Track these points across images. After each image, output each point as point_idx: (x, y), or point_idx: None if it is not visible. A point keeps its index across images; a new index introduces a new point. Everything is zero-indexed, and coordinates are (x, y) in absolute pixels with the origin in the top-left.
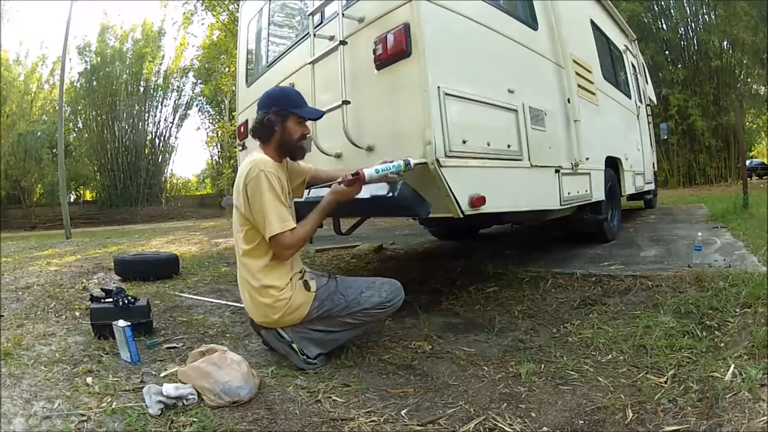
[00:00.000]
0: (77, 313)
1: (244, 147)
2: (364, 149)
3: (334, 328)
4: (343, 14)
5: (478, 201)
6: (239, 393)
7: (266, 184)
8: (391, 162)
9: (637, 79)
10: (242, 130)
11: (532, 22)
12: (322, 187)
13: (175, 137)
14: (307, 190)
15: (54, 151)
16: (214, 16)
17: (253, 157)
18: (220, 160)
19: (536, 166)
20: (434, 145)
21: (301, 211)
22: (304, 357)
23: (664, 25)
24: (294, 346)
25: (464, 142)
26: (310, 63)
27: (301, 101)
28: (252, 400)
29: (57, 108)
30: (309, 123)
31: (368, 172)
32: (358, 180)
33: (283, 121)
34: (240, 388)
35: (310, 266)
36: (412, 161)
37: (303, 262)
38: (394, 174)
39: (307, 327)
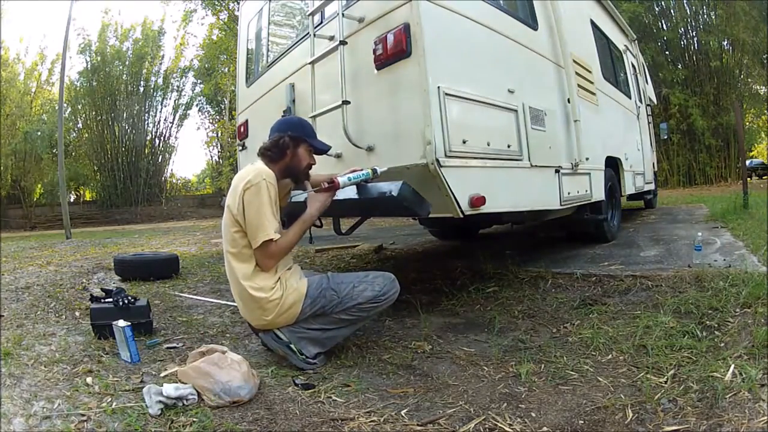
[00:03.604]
0: (77, 313)
1: (244, 147)
2: (364, 149)
3: (330, 325)
4: (343, 14)
5: (478, 201)
6: (239, 393)
7: (266, 194)
8: (361, 170)
9: (637, 79)
10: (242, 130)
11: (532, 22)
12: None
13: (175, 137)
14: (303, 193)
15: (54, 151)
16: (213, 15)
17: (257, 165)
18: (220, 160)
19: (536, 166)
20: (434, 145)
21: (299, 210)
22: (303, 357)
23: (665, 26)
24: (292, 346)
25: (464, 142)
26: (310, 63)
27: (314, 133)
28: (252, 400)
29: (57, 108)
30: (308, 121)
31: (342, 180)
32: (333, 187)
33: (296, 146)
34: (240, 388)
35: (307, 267)
36: (379, 169)
37: (303, 263)
38: (364, 181)
39: (302, 326)
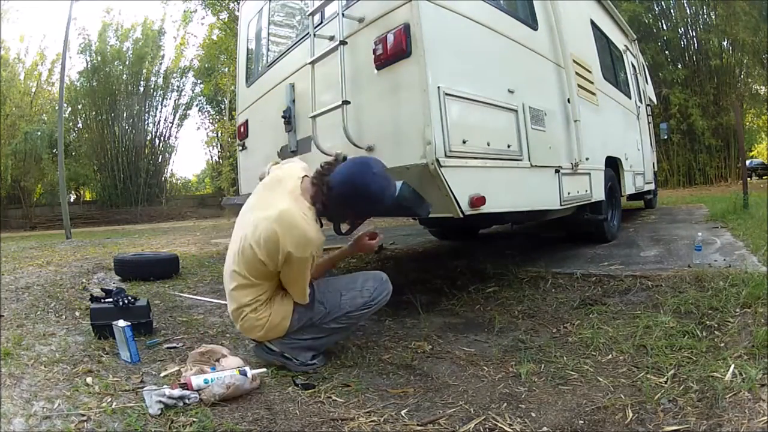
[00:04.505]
0: (77, 313)
1: (244, 147)
2: (364, 149)
3: (321, 334)
4: (343, 14)
5: (478, 201)
6: None
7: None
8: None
9: (637, 79)
10: (242, 130)
11: (532, 22)
12: None
13: (175, 137)
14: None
15: (54, 151)
16: (213, 15)
17: (306, 218)
18: (220, 160)
19: (536, 166)
20: (434, 145)
21: None
22: (300, 362)
23: (665, 26)
24: (286, 355)
25: (464, 142)
26: (310, 63)
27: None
28: (252, 399)
29: (57, 108)
30: (309, 121)
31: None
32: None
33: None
34: None
35: None
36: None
37: None
38: None
39: (293, 337)
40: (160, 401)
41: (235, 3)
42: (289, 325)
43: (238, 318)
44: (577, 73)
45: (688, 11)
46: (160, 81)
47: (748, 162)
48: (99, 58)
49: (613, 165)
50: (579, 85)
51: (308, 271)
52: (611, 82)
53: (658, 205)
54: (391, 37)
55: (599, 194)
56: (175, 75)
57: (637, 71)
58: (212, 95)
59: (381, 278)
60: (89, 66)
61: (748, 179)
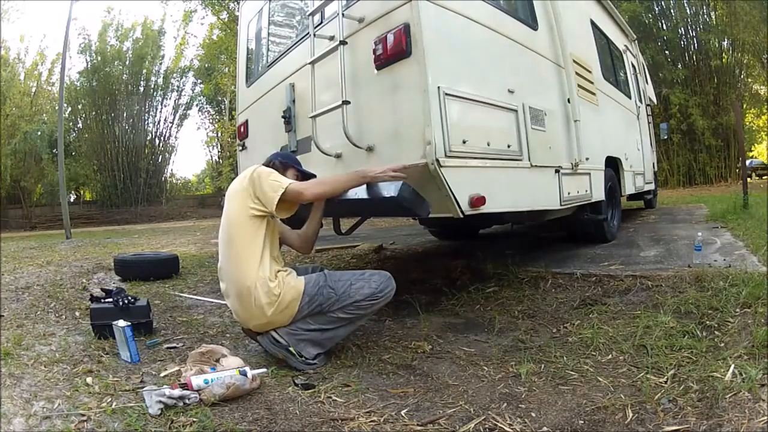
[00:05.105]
0: (77, 313)
1: (244, 147)
2: (364, 149)
3: (328, 325)
4: (343, 14)
5: (478, 201)
6: None
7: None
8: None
9: (637, 79)
10: (242, 130)
11: (532, 22)
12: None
13: (175, 137)
14: None
15: (54, 151)
16: (213, 15)
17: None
18: (220, 160)
19: (536, 166)
20: (434, 145)
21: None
22: (303, 359)
23: (665, 26)
24: (291, 349)
25: (464, 142)
26: (310, 63)
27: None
28: (252, 399)
29: (57, 108)
30: (309, 121)
31: (196, 382)
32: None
33: (284, 169)
34: None
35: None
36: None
37: (302, 262)
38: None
39: (300, 327)
40: (160, 401)
41: (235, 3)
42: (297, 310)
43: (248, 298)
44: (577, 73)
45: (688, 11)
46: (160, 81)
47: (748, 162)
48: (99, 58)
49: (613, 165)
50: (579, 85)
51: (278, 182)
52: (611, 82)
53: (658, 205)
54: (391, 37)
55: (599, 194)
56: (175, 75)
57: (637, 71)
58: (212, 95)
59: (386, 275)
60: (89, 66)
61: (748, 179)
